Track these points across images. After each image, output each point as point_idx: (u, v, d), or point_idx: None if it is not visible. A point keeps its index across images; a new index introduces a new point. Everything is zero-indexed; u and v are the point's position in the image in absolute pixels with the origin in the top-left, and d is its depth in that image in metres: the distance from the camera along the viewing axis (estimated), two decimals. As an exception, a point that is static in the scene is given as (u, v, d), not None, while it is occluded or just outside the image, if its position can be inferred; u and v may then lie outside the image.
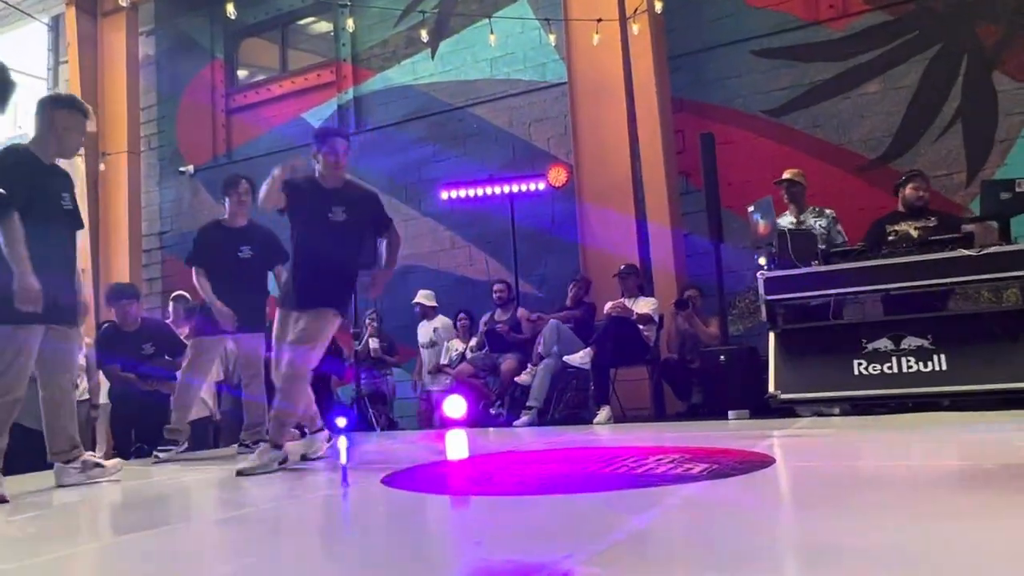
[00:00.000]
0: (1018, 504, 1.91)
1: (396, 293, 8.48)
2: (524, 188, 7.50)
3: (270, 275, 4.88)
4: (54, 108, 3.42)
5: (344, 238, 3.69)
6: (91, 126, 3.55)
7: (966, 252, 4.45)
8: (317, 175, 3.79)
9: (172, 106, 10.41)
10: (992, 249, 4.35)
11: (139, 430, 5.42)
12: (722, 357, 5.38)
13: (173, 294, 7.01)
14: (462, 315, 7.32)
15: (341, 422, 6.08)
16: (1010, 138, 6.32)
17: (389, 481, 2.92)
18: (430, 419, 6.85)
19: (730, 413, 5.10)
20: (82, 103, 3.56)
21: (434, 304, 7.54)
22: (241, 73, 10.35)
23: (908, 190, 5.27)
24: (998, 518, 1.75)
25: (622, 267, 6.38)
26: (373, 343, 6.76)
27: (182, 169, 10.13)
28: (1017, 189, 4.58)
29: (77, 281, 3.50)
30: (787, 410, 4.84)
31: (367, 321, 7.19)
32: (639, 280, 6.42)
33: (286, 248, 4.21)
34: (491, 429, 5.97)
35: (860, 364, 4.74)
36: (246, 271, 4.70)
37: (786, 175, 5.69)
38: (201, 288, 4.60)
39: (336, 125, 9.17)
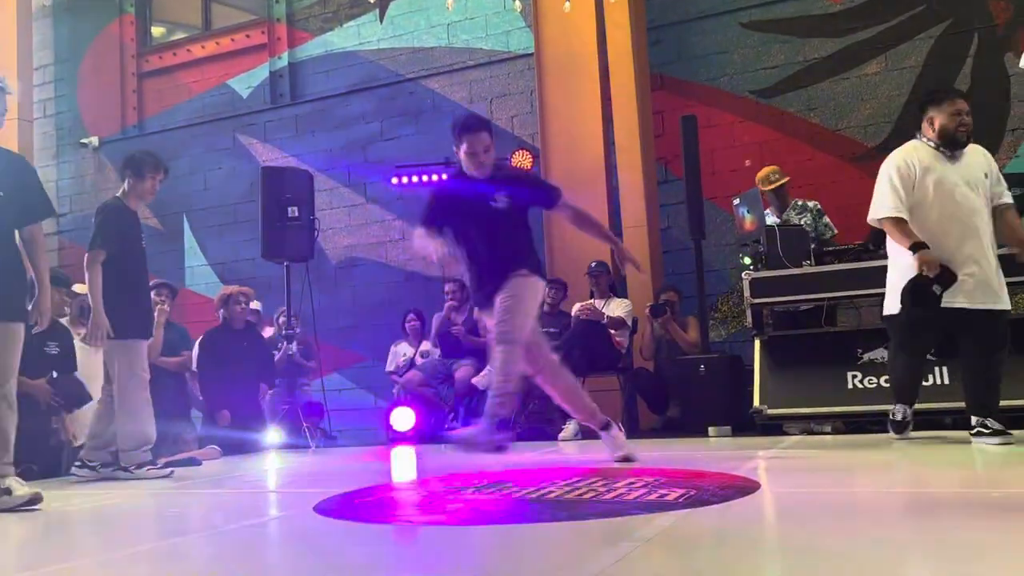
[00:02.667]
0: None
1: (335, 289, 8.43)
2: (484, 172, 7.46)
3: None
4: None
5: (508, 225, 3.79)
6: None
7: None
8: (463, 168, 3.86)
9: (72, 67, 10.15)
10: (1003, 251, 4.45)
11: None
12: (702, 367, 5.44)
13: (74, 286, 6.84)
14: (411, 316, 7.29)
15: (272, 437, 6.06)
16: (1022, 128, 6.50)
17: (324, 509, 2.89)
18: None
19: (710, 430, 5.17)
20: None
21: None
22: (156, 31, 10.14)
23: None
24: (1009, 553, 1.80)
25: (593, 264, 6.41)
26: (289, 347, 6.63)
27: (84, 141, 9.89)
28: (1031, 184, 4.71)
29: None
30: (773, 427, 4.91)
31: (277, 320, 7.06)
32: (611, 279, 6.46)
33: None
34: (443, 445, 5.94)
35: (855, 376, 4.84)
36: (145, 263, 4.65)
37: (772, 184, 5.75)
38: (92, 283, 4.38)
39: (281, 94, 9.05)
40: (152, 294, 6.16)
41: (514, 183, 3.92)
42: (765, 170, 5.86)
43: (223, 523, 2.94)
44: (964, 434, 4.21)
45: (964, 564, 1.73)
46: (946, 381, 4.61)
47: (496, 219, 3.75)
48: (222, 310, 6.32)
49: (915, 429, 4.56)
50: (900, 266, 3.98)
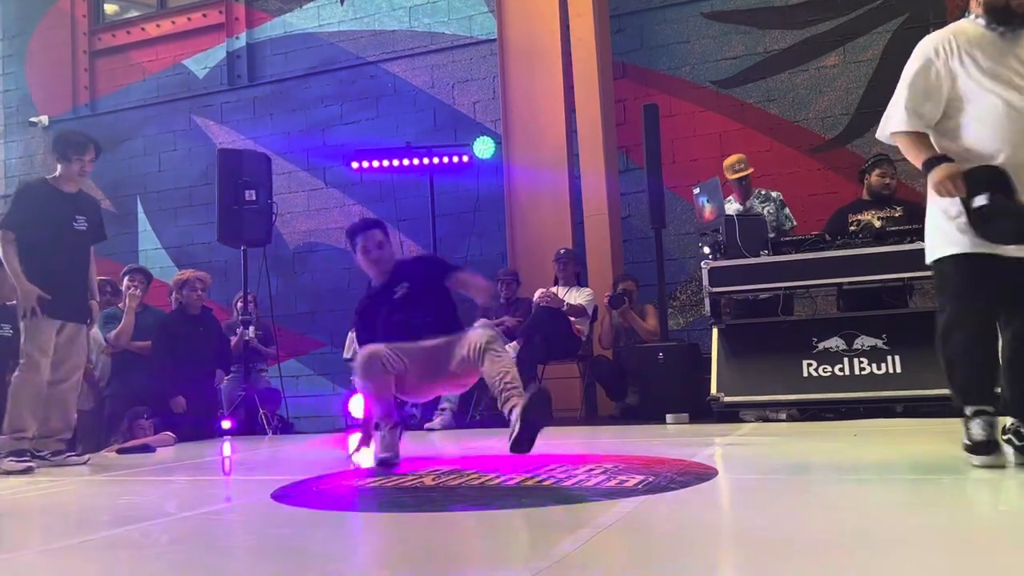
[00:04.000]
0: (986, 528, 2.01)
1: (293, 275, 8.35)
2: (446, 160, 7.45)
3: None
4: None
5: (410, 307, 3.80)
6: None
7: (924, 245, 4.65)
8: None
9: (21, 44, 9.88)
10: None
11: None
12: (660, 355, 5.49)
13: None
14: (370, 302, 7.22)
15: (225, 425, 5.98)
16: (974, 123, 6.62)
17: (281, 496, 2.86)
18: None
19: (668, 417, 5.22)
20: None
21: None
22: (109, 8, 9.89)
23: (874, 177, 5.46)
24: (960, 544, 1.84)
25: (562, 251, 6.43)
26: (246, 332, 6.54)
27: (33, 120, 9.64)
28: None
29: None
30: (730, 414, 4.98)
31: (235, 305, 6.97)
32: (578, 267, 6.50)
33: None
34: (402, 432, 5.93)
35: (810, 365, 4.92)
36: (80, 247, 4.52)
37: (738, 173, 5.78)
38: (6, 259, 4.25)
39: (239, 75, 8.90)
40: (125, 279, 6.11)
41: (411, 268, 4.01)
42: (732, 158, 5.88)
43: (177, 511, 2.90)
44: (916, 421, 4.31)
45: (917, 549, 1.77)
46: (898, 370, 4.70)
47: (406, 305, 3.81)
48: (177, 295, 6.22)
49: (863, 417, 4.66)
50: (939, 203, 2.87)
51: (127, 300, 5.97)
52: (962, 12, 3.04)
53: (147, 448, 5.01)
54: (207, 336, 6.21)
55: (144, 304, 6.16)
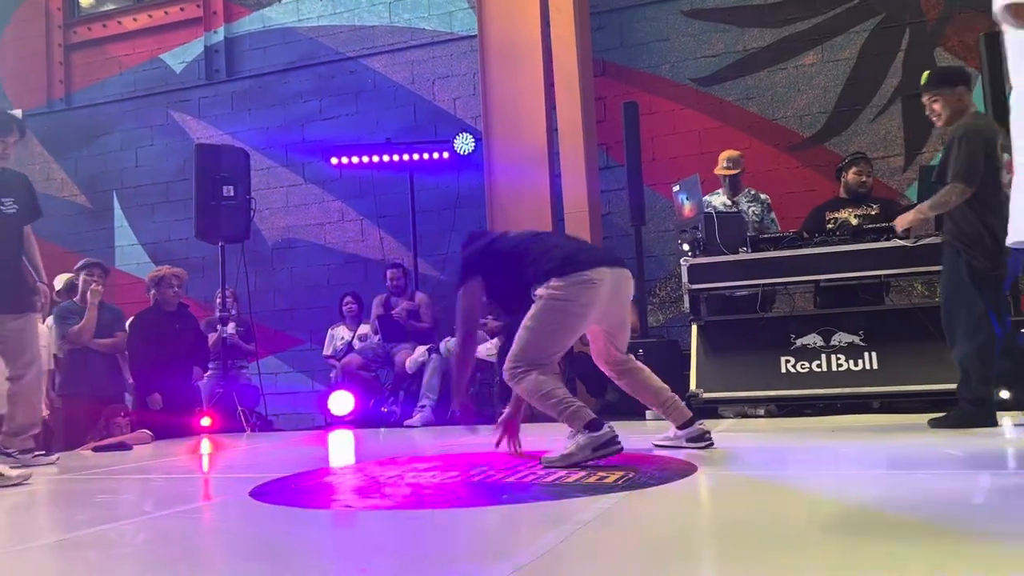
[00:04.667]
0: (962, 522, 2.04)
1: (272, 271, 8.30)
2: (426, 156, 7.43)
3: None
4: None
5: None
6: None
7: (901, 243, 4.71)
8: None
9: (-5, 36, 9.73)
10: (927, 240, 4.61)
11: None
12: (640, 351, 5.49)
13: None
14: (349, 299, 7.21)
15: (205, 421, 5.93)
16: (949, 121, 6.69)
17: (259, 493, 2.84)
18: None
19: (647, 413, 5.21)
20: None
21: None
22: (85, 1, 9.76)
23: (850, 175, 5.51)
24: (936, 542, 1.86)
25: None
26: (227, 328, 6.47)
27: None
28: (955, 177, 4.86)
29: None
30: (709, 410, 5.00)
31: (217, 299, 6.90)
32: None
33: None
34: (382, 429, 5.92)
35: (788, 361, 4.96)
36: (8, 230, 4.25)
37: (725, 171, 5.80)
38: None
39: (217, 70, 8.83)
40: (83, 274, 5.98)
41: None
42: (727, 153, 5.90)
43: (155, 509, 2.87)
44: (893, 417, 4.35)
45: (895, 541, 1.79)
46: (874, 366, 4.75)
47: None
48: (153, 291, 6.16)
49: (841, 413, 4.70)
50: None
51: (89, 296, 5.79)
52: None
53: (123, 446, 4.96)
54: (184, 333, 6.16)
55: (101, 302, 6.00)
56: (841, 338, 4.89)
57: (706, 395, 5.00)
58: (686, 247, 5.31)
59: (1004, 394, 4.26)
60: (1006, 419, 3.93)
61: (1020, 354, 4.31)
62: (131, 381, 6.05)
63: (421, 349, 6.29)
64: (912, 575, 1.55)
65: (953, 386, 3.93)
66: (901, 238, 4.54)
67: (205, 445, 5.23)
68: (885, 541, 1.79)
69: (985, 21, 6.45)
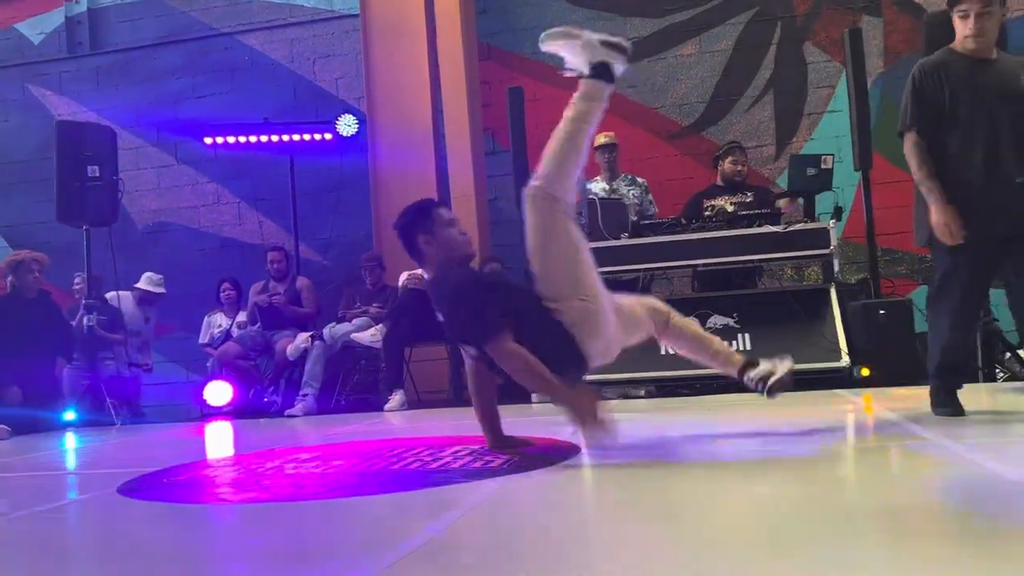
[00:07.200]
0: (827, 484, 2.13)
1: (142, 256, 7.90)
2: (307, 137, 7.23)
3: None
4: None
5: None
6: None
7: (772, 229, 4.92)
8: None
9: None
10: (796, 226, 4.84)
11: None
12: (526, 335, 5.54)
13: None
14: (226, 285, 6.96)
15: (69, 415, 5.60)
16: (817, 112, 7.05)
17: (128, 489, 2.70)
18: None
19: (533, 396, 5.28)
20: None
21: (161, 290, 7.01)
22: (-72, -37, 8.99)
23: (727, 163, 5.72)
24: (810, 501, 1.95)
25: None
26: (88, 317, 6.10)
27: None
28: (823, 166, 5.13)
29: None
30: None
31: (75, 284, 6.51)
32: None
33: None
34: (262, 420, 5.75)
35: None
36: None
37: (604, 139, 5.93)
38: None
39: (80, 43, 8.30)
40: None
41: None
42: (609, 132, 5.99)
43: (11, 509, 2.68)
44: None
45: (768, 512, 1.86)
46: (748, 347, 4.94)
47: None
48: (11, 277, 5.76)
49: (716, 392, 4.87)
50: None
51: None
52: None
53: (-22, 443, 4.63)
54: (44, 321, 5.79)
55: None
56: (717, 320, 5.06)
57: (590, 377, 5.08)
58: (570, 232, 5.36)
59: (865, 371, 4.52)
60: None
61: (878, 331, 4.59)
62: None
63: (303, 336, 6.13)
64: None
65: (819, 365, 4.13)
66: None
67: (70, 440, 4.94)
68: (760, 512, 1.86)
69: (850, 17, 6.82)
